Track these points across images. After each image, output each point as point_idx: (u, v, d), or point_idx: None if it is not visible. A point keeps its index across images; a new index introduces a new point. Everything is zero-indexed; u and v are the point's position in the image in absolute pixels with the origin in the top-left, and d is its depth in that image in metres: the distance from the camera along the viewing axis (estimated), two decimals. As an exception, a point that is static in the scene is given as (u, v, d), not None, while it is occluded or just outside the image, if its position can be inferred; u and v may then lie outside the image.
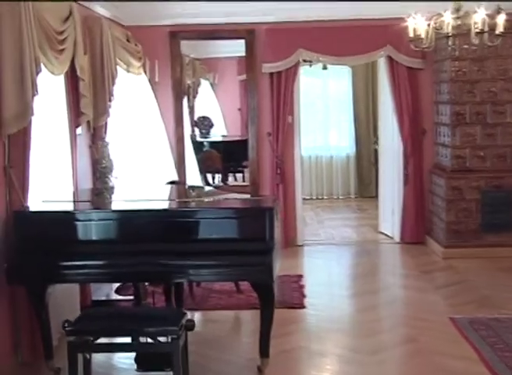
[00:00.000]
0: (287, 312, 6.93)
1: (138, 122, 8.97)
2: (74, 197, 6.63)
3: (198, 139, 12.58)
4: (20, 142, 5.56)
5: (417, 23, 6.89)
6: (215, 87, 13.77)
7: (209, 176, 12.50)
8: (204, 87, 13.48)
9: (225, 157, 12.34)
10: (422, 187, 9.76)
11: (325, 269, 8.97)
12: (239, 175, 12.67)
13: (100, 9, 8.28)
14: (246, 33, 9.67)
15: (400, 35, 7.57)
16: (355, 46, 9.49)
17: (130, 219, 5.30)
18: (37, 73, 5.56)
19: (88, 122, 7.56)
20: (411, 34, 6.95)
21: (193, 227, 5.21)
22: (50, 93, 6.50)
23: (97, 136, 7.72)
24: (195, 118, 13.06)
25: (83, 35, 7.17)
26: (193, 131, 12.53)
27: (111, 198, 6.89)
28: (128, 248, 5.10)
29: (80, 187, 7.06)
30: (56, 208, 5.69)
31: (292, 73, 9.58)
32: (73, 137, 6.84)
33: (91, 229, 5.34)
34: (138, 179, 8.45)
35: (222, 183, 12.01)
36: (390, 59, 9.52)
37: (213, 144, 12.91)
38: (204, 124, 13.67)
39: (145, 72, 9.25)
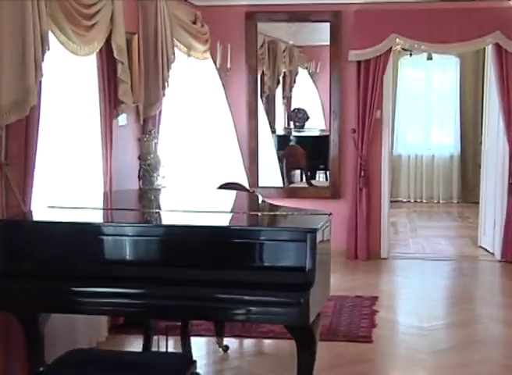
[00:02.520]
0: (347, 347, 5.86)
1: (200, 113, 7.96)
2: (104, 200, 5.64)
3: (280, 133, 11.42)
4: (22, 134, 4.61)
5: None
6: (315, 77, 12.60)
7: (294, 175, 11.38)
8: (303, 76, 12.33)
9: (309, 154, 11.17)
10: (530, 199, 8.39)
11: (407, 290, 7.72)
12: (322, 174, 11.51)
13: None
14: (331, 15, 8.56)
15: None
16: (457, 31, 8.20)
17: (172, 237, 4.26)
18: (44, 53, 4.58)
19: (138, 112, 6.66)
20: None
21: (222, 251, 4.14)
22: (77, 77, 5.58)
23: (147, 128, 6.76)
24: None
25: (132, 12, 6.26)
26: (288, 125, 11.41)
27: (151, 204, 5.83)
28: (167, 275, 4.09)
29: (119, 186, 6.14)
30: (63, 217, 4.70)
31: (382, 61, 8.38)
32: (107, 128, 5.89)
33: (115, 246, 4.31)
34: (194, 180, 7.43)
35: (305, 183, 10.84)
36: (498, 47, 8.18)
37: (300, 139, 11.74)
38: (299, 117, 12.50)
39: (214, 57, 8.23)
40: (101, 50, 5.68)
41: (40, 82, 4.66)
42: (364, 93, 8.43)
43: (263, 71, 10.16)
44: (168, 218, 4.78)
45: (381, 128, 8.63)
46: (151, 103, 6.78)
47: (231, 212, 4.87)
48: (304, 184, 10.22)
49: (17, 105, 4.44)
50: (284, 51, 10.78)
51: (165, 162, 6.68)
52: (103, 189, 5.87)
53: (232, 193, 5.88)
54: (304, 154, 10.86)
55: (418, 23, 8.25)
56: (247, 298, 3.86)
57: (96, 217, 4.84)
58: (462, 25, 8.15)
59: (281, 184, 9.77)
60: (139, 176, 6.40)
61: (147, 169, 6.39)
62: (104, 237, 4.31)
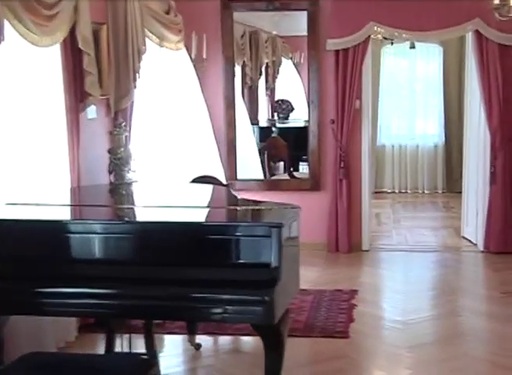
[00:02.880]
0: (324, 343, 5.70)
1: (174, 105, 7.78)
2: (71, 196, 5.47)
3: (263, 124, 11.24)
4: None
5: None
6: (299, 68, 12.41)
7: (276, 167, 11.20)
8: (287, 67, 12.13)
9: (292, 145, 10.99)
10: (512, 188, 8.26)
11: (388, 283, 7.60)
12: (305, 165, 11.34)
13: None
14: (309, 3, 8.38)
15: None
16: (437, 19, 8.02)
17: (133, 233, 4.13)
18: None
19: (108, 105, 6.49)
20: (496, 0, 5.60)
21: (183, 248, 3.99)
22: (40, 68, 5.41)
23: (118, 121, 6.58)
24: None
25: (101, 2, 6.16)
26: (272, 116, 11.22)
27: (116, 200, 5.66)
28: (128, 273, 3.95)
29: (89, 181, 5.97)
30: (22, 214, 4.53)
31: (361, 50, 8.20)
32: (74, 121, 5.72)
33: (82, 245, 4.15)
34: (167, 174, 7.25)
35: (287, 175, 10.66)
36: (479, 35, 8.02)
37: (282, 130, 11.55)
38: (283, 108, 12.31)
39: (189, 48, 8.04)
40: (65, 40, 5.51)
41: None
42: (343, 83, 8.24)
43: (244, 62, 9.98)
44: (128, 214, 4.61)
45: (360, 118, 8.45)
46: (122, 95, 6.59)
47: (196, 207, 4.68)
48: (286, 176, 10.04)
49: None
50: (266, 42, 10.59)
51: (137, 156, 6.51)
52: (70, 185, 5.69)
53: (201, 187, 5.71)
54: (286, 145, 10.69)
55: (397, 11, 8.07)
56: (209, 296, 3.72)
57: (57, 214, 4.63)
58: (441, 12, 7.97)
59: (262, 177, 9.60)
60: (109, 171, 6.22)
61: (117, 163, 6.20)
62: (68, 235, 4.15)
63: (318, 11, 8.33)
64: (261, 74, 10.59)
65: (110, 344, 4.72)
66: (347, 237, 8.43)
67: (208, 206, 4.82)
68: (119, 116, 6.55)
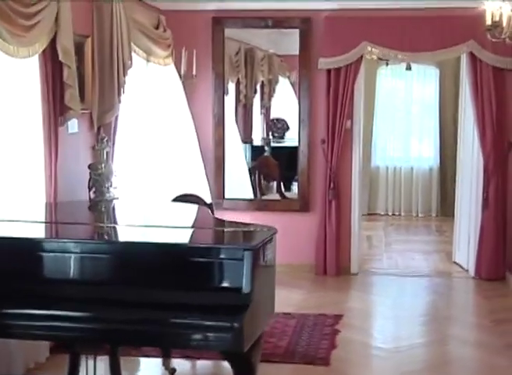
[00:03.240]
0: (304, 370, 5.52)
1: (159, 121, 7.65)
2: (45, 212, 5.31)
3: (257, 143, 11.06)
4: None
5: (497, 7, 5.42)
6: (296, 87, 12.25)
7: (268, 186, 11.02)
8: (284, 86, 11.98)
9: (284, 165, 10.82)
10: (505, 214, 8.10)
11: (374, 308, 7.41)
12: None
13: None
14: (300, 21, 8.25)
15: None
16: (430, 40, 7.90)
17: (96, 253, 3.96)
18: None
19: (91, 119, 6.35)
20: (488, 21, 5.47)
21: (152, 269, 3.82)
22: (17, 80, 5.27)
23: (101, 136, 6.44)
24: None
25: (86, 14, 6.05)
26: (267, 135, 11.04)
27: (96, 217, 5.49)
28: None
29: (68, 197, 5.82)
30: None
31: (353, 70, 8.07)
32: (51, 135, 5.55)
33: (53, 264, 4.00)
34: (150, 191, 7.09)
35: (278, 195, 10.46)
36: (473, 57, 7.89)
37: (275, 149, 11.38)
38: (278, 127, 12.16)
39: (178, 63, 7.91)
40: (44, 51, 5.36)
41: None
42: (334, 102, 8.10)
43: (238, 79, 9.85)
44: (102, 233, 4.44)
45: (352, 139, 8.30)
46: (106, 110, 6.47)
47: (168, 226, 4.50)
48: (277, 196, 9.85)
49: None
50: (263, 60, 10.43)
51: (119, 172, 6.35)
52: (45, 200, 5.52)
53: (177, 206, 5.56)
54: (277, 165, 10.53)
55: (390, 31, 7.95)
56: (175, 321, 3.55)
57: (29, 231, 4.46)
58: (435, 33, 7.86)
59: (252, 196, 9.42)
60: (89, 187, 6.05)
61: (97, 179, 6.04)
62: (40, 254, 3.99)
63: (310, 29, 8.21)
64: (255, 92, 10.41)
65: (74, 368, 4.50)
66: (335, 260, 8.25)
67: (180, 226, 4.62)
68: (101, 131, 6.39)
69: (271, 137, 11.35)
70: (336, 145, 8.16)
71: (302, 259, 8.36)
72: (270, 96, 10.93)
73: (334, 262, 8.25)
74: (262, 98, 10.79)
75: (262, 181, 10.30)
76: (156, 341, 3.71)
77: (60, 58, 5.44)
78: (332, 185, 8.20)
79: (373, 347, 6.05)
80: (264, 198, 9.75)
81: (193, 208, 5.25)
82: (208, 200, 6.78)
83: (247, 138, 10.28)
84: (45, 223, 5.00)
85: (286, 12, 8.17)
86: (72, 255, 3.89)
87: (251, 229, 4.19)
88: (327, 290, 7.79)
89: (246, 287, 3.59)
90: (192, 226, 4.53)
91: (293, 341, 6.05)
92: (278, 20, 8.30)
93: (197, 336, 3.52)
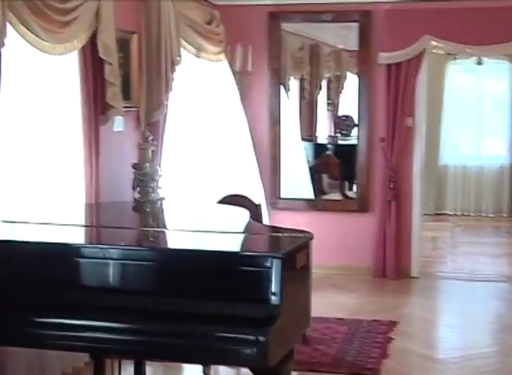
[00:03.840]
0: (352, 381, 5.24)
1: (210, 119, 7.46)
2: (85, 214, 5.15)
3: (322, 141, 10.76)
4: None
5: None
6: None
7: (330, 185, 10.72)
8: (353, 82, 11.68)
9: (347, 163, 10.51)
10: None
11: (432, 315, 6.98)
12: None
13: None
14: (360, 15, 7.97)
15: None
16: (499, 32, 7.50)
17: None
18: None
19: (138, 117, 6.21)
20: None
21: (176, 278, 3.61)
22: (56, 77, 5.14)
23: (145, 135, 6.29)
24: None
25: (131, 10, 6.00)
26: (335, 132, 10.76)
27: (142, 221, 5.29)
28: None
29: (112, 198, 5.69)
30: (23, 235, 4.20)
31: (415, 64, 7.77)
32: (92, 134, 5.40)
33: (92, 271, 3.72)
34: (198, 192, 6.91)
35: (339, 194, 10.18)
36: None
37: (338, 147, 11.08)
38: (345, 124, 11.87)
39: (233, 59, 7.74)
40: (84, 48, 5.22)
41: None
42: (395, 99, 7.81)
43: (302, 75, 9.62)
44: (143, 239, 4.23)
45: (413, 137, 7.98)
46: (153, 108, 6.33)
47: (197, 231, 4.28)
48: (338, 196, 9.55)
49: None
50: (329, 55, 10.15)
51: (166, 172, 6.19)
52: (85, 201, 5.39)
53: (213, 208, 5.35)
54: (339, 164, 10.24)
55: (455, 23, 7.59)
56: (198, 333, 3.33)
57: (66, 235, 4.18)
58: (505, 25, 7.46)
59: (311, 196, 9.14)
60: (133, 187, 5.89)
61: (141, 179, 5.87)
62: (78, 260, 3.69)
63: (370, 23, 7.93)
64: (321, 89, 10.11)
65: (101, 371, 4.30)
66: (395, 263, 7.95)
67: (209, 231, 4.36)
68: (147, 130, 6.23)
69: (338, 134, 11.05)
70: (396, 144, 7.87)
71: (360, 261, 8.08)
72: (338, 93, 10.61)
73: (393, 265, 7.95)
74: (329, 95, 10.50)
75: (325, 180, 10.03)
76: (185, 355, 3.47)
77: (101, 54, 5.29)
78: (392, 185, 7.89)
79: (429, 357, 5.66)
80: (325, 197, 9.44)
81: (229, 210, 5.04)
82: (259, 200, 6.53)
83: (310, 136, 10.01)
84: (85, 226, 4.70)
85: (345, 5, 7.90)
86: (113, 262, 3.62)
87: (284, 234, 3.94)
88: (384, 294, 7.48)
89: (274, 298, 3.35)
90: (219, 232, 4.27)
91: (342, 348, 5.80)
92: (337, 14, 8.03)
93: (221, 349, 3.29)
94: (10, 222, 4.31)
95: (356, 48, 9.26)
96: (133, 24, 6.13)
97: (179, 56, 6.54)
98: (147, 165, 5.91)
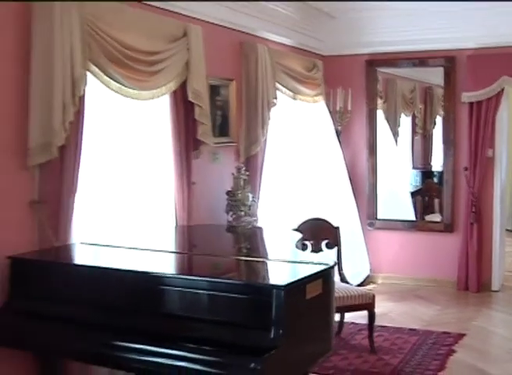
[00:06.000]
0: (401, 394, 4.43)
1: (307, 152, 6.85)
2: (175, 236, 4.65)
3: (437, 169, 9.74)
4: (55, 174, 3.78)
5: None
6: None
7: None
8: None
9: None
10: None
11: (502, 329, 5.93)
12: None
13: (285, 40, 6.43)
14: (445, 60, 7.09)
15: None
16: None
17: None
18: (74, 97, 3.73)
19: (237, 151, 5.72)
20: None
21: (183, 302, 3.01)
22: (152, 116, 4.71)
23: (250, 166, 5.79)
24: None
25: (231, 61, 5.56)
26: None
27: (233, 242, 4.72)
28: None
29: (208, 220, 5.19)
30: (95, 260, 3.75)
31: (494, 102, 6.81)
32: (182, 166, 4.92)
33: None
34: (288, 217, 6.28)
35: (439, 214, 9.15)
36: None
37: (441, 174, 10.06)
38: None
39: (333, 100, 7.11)
40: (175, 92, 4.76)
41: (81, 122, 3.85)
42: (476, 132, 6.90)
43: (414, 113, 8.82)
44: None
45: (493, 166, 7.00)
46: (251, 143, 5.83)
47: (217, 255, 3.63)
48: (437, 218, 8.56)
49: (44, 146, 3.64)
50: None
51: (259, 199, 5.65)
52: (176, 224, 4.92)
53: (273, 233, 4.70)
54: (438, 188, 9.24)
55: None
56: (197, 357, 2.74)
57: (156, 264, 3.49)
58: None
59: (411, 217, 8.21)
60: (226, 211, 5.39)
61: (233, 204, 5.37)
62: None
63: (454, 67, 7.06)
64: (435, 124, 9.21)
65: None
66: (477, 277, 6.97)
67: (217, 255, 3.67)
68: (239, 161, 5.72)
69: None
70: (478, 172, 6.94)
71: (446, 275, 7.18)
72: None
73: (475, 279, 6.98)
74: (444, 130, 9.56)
75: (423, 203, 9.08)
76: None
77: (190, 98, 4.82)
78: (473, 209, 6.94)
79: (483, 372, 4.73)
80: (427, 219, 8.47)
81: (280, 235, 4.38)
82: (337, 223, 5.74)
83: (423, 164, 9.16)
84: (176, 253, 4.03)
85: (432, 52, 7.08)
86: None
87: (303, 262, 3.27)
88: (462, 306, 6.52)
89: (274, 327, 2.72)
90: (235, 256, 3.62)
91: (405, 359, 4.99)
92: (424, 60, 7.21)
93: (214, 373, 2.69)
94: (104, 245, 3.87)
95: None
96: (231, 73, 5.65)
97: (275, 98, 5.99)
98: (239, 192, 5.41)
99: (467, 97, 6.89)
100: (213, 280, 2.96)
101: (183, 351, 2.75)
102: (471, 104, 6.90)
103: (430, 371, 4.73)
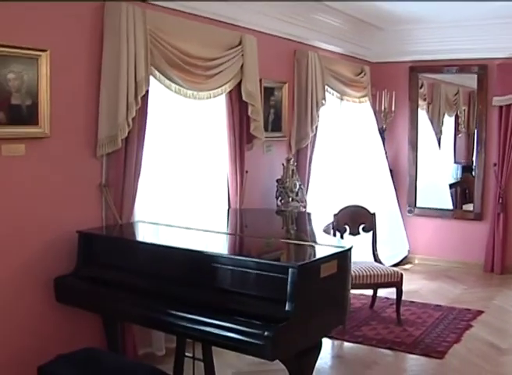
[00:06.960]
0: (417, 361, 4.21)
1: (352, 146, 6.63)
2: (227, 218, 4.55)
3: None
4: (119, 162, 3.76)
5: None
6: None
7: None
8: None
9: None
10: None
11: None
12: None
13: (335, 48, 6.23)
14: (478, 68, 6.69)
15: None
16: None
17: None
18: (137, 96, 3.69)
19: (288, 144, 5.58)
20: None
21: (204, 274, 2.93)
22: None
23: (300, 158, 5.65)
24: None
25: (285, 67, 5.40)
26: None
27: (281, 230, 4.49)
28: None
29: (264, 204, 5.09)
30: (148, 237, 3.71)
31: (522, 106, 6.36)
32: (236, 156, 4.80)
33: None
34: (334, 203, 6.07)
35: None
36: None
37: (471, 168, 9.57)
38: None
39: (379, 101, 6.87)
40: (230, 92, 4.65)
41: (144, 117, 3.81)
42: (505, 133, 6.51)
43: (457, 113, 8.43)
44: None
45: (520, 163, 6.57)
46: (301, 138, 5.69)
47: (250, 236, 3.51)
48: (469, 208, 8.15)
49: (111, 139, 3.63)
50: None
51: (304, 187, 5.50)
52: (228, 207, 4.83)
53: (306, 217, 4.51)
54: (473, 181, 8.77)
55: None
56: (217, 323, 2.65)
57: (209, 243, 3.40)
58: None
59: (448, 206, 7.81)
60: (276, 196, 5.27)
61: (282, 191, 5.25)
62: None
63: (486, 74, 6.66)
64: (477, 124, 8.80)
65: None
66: (501, 260, 6.60)
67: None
68: (290, 154, 5.56)
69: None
70: (506, 168, 6.53)
71: (474, 258, 6.81)
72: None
73: (500, 262, 6.60)
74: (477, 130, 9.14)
75: (461, 194, 8.65)
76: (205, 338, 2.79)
77: (244, 98, 4.71)
78: (500, 200, 6.57)
79: (495, 346, 4.45)
80: (465, 208, 8.05)
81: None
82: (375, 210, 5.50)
83: (465, 160, 8.74)
84: (228, 234, 3.88)
85: (468, 60, 6.70)
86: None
87: (322, 244, 3.12)
88: (486, 287, 6.17)
89: (288, 302, 2.60)
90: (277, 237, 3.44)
91: (427, 331, 4.76)
92: (460, 67, 6.82)
93: (237, 339, 2.59)
94: (163, 225, 3.80)
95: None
96: (284, 76, 5.51)
97: (324, 99, 5.80)
98: (288, 180, 5.27)
99: (497, 101, 6.51)
100: (240, 258, 2.86)
101: (215, 319, 2.66)
102: (501, 107, 6.52)
103: (447, 343, 4.49)
